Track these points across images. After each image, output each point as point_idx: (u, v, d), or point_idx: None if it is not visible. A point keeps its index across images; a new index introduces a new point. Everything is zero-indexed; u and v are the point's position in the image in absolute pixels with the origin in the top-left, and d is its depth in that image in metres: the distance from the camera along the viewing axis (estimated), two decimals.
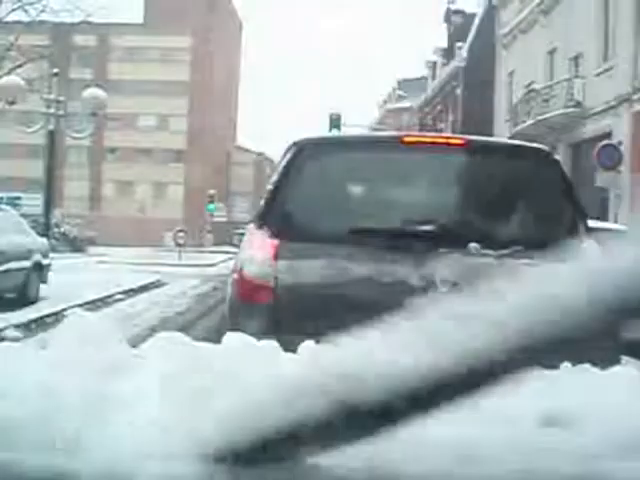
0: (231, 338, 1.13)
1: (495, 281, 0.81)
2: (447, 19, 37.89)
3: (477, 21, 32.58)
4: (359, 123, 47.35)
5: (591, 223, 3.59)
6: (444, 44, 38.53)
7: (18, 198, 32.62)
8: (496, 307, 0.74)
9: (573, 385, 1.07)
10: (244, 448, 0.76)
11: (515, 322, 0.71)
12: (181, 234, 28.69)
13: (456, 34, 35.02)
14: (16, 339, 7.61)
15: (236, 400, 0.81)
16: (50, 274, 12.39)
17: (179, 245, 28.36)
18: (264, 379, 0.82)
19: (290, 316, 2.88)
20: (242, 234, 3.92)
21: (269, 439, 0.75)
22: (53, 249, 16.60)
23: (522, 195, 3.45)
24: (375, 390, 0.71)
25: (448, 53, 36.33)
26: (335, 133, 23.32)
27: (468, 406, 0.76)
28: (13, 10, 24.43)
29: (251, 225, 3.38)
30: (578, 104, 19.98)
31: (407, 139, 3.41)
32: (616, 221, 15.45)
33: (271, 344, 1.11)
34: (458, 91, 32.65)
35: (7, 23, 24.74)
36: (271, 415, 0.75)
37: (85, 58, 48.31)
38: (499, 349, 0.70)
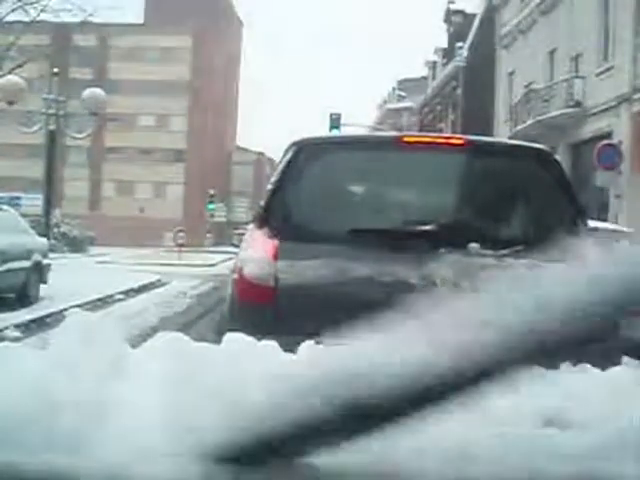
0: (231, 338, 1.13)
1: (495, 281, 0.82)
2: (447, 19, 37.90)
3: (477, 21, 32.58)
4: (359, 123, 47.32)
5: (591, 223, 3.59)
6: (444, 44, 38.54)
7: (18, 198, 32.66)
8: (497, 308, 0.74)
9: (573, 385, 1.07)
10: (243, 448, 0.76)
11: (517, 323, 0.71)
12: (181, 234, 28.71)
13: (456, 34, 35.02)
14: (16, 339, 7.62)
15: (232, 400, 0.81)
16: (50, 274, 12.38)
17: (179, 245, 28.37)
18: (260, 379, 0.82)
19: (290, 316, 2.88)
20: (242, 234, 3.91)
21: (267, 439, 0.75)
22: (53, 249, 16.60)
23: (522, 195, 3.45)
24: (375, 390, 0.71)
25: (448, 53, 36.34)
26: (335, 133, 23.32)
27: (467, 406, 0.76)
28: (13, 10, 24.43)
29: (251, 225, 3.38)
30: (578, 104, 19.99)
31: (407, 139, 3.41)
32: (616, 221, 15.45)
33: (271, 344, 1.11)
34: (458, 91, 32.66)
35: (7, 23, 24.73)
36: (268, 416, 0.75)
37: (85, 58, 48.29)
38: (499, 350, 0.70)
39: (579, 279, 0.73)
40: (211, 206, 46.43)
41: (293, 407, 0.74)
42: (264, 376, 0.83)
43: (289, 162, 3.24)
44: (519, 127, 22.67)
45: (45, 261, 12.21)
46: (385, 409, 0.72)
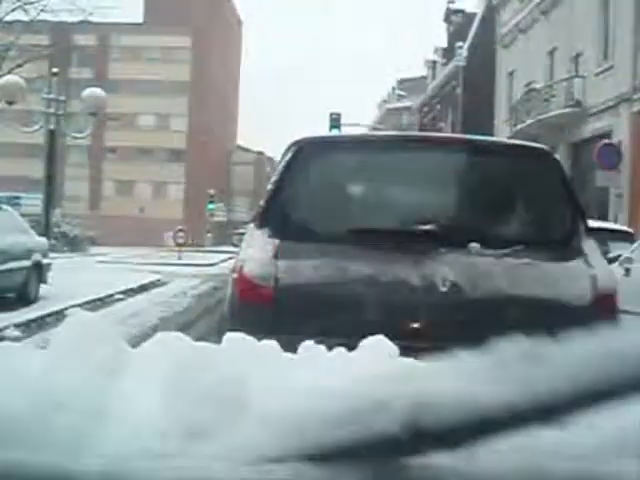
0: (231, 338, 1.13)
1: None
2: (447, 19, 37.91)
3: (477, 21, 32.59)
4: (359, 123, 47.31)
5: (591, 223, 3.59)
6: (444, 44, 38.55)
7: (18, 198, 32.63)
8: (566, 355, 0.76)
9: None
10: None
11: (583, 371, 0.73)
12: (181, 234, 28.68)
13: (456, 34, 35.03)
14: (16, 339, 7.62)
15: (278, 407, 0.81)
16: (50, 274, 12.38)
17: (179, 245, 28.36)
18: (322, 390, 0.82)
19: (290, 316, 2.88)
20: (242, 234, 3.91)
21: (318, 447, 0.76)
22: (53, 249, 16.60)
23: (522, 195, 3.45)
24: (444, 414, 0.73)
25: (448, 53, 36.34)
26: (335, 133, 23.31)
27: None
28: (13, 10, 24.42)
29: (251, 225, 3.38)
30: (578, 104, 19.99)
31: (407, 139, 3.41)
32: (616, 221, 15.45)
33: (271, 344, 1.11)
34: (458, 91, 32.66)
35: (7, 23, 24.72)
36: (331, 426, 0.76)
37: (85, 58, 48.32)
38: (564, 392, 0.72)
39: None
40: (211, 206, 46.44)
41: (359, 421, 0.75)
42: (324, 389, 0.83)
43: (289, 162, 3.24)
44: (519, 127, 22.68)
45: (45, 261, 12.21)
46: (448, 435, 0.75)
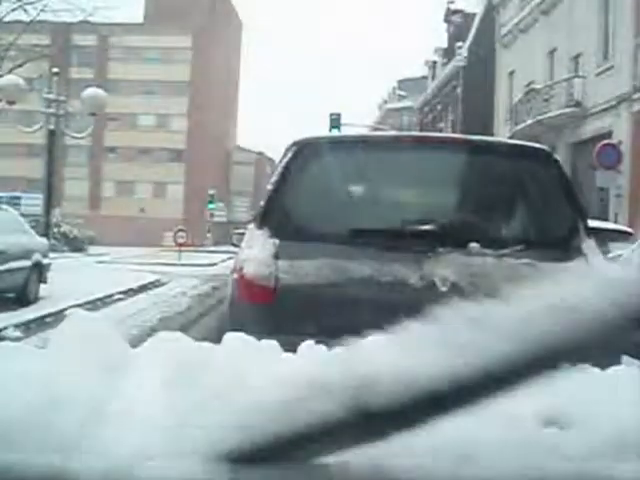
0: (231, 338, 1.13)
1: (495, 281, 0.82)
2: (447, 19, 37.91)
3: (477, 21, 32.59)
4: (359, 123, 47.37)
5: (591, 223, 3.59)
6: (444, 44, 38.56)
7: (18, 198, 32.64)
8: (511, 314, 0.74)
9: (573, 385, 1.07)
10: (252, 448, 0.76)
11: (531, 329, 0.70)
12: (181, 234, 28.67)
13: (456, 34, 35.05)
14: (16, 339, 7.62)
15: (241, 401, 0.80)
16: (50, 274, 12.38)
17: (179, 245, 28.34)
18: (270, 379, 0.81)
19: (290, 316, 2.88)
20: (242, 234, 3.92)
21: (276, 440, 0.75)
22: (53, 249, 16.60)
23: (522, 195, 3.45)
24: (388, 392, 0.70)
25: (448, 53, 36.35)
26: (335, 133, 23.31)
27: (471, 408, 0.76)
28: (13, 10, 24.41)
29: (251, 225, 3.38)
30: (578, 104, 20.00)
31: (407, 139, 3.41)
32: (616, 221, 15.45)
33: (271, 344, 1.11)
34: (458, 91, 32.66)
35: (7, 23, 24.71)
36: (278, 416, 0.74)
37: (85, 58, 48.38)
38: (513, 355, 0.70)
39: (592, 287, 0.73)
40: (211, 206, 46.45)
41: (301, 409, 0.74)
42: (272, 377, 0.82)
43: (289, 162, 3.24)
44: (519, 127, 22.68)
45: (45, 261, 12.21)
46: (394, 413, 0.71)
